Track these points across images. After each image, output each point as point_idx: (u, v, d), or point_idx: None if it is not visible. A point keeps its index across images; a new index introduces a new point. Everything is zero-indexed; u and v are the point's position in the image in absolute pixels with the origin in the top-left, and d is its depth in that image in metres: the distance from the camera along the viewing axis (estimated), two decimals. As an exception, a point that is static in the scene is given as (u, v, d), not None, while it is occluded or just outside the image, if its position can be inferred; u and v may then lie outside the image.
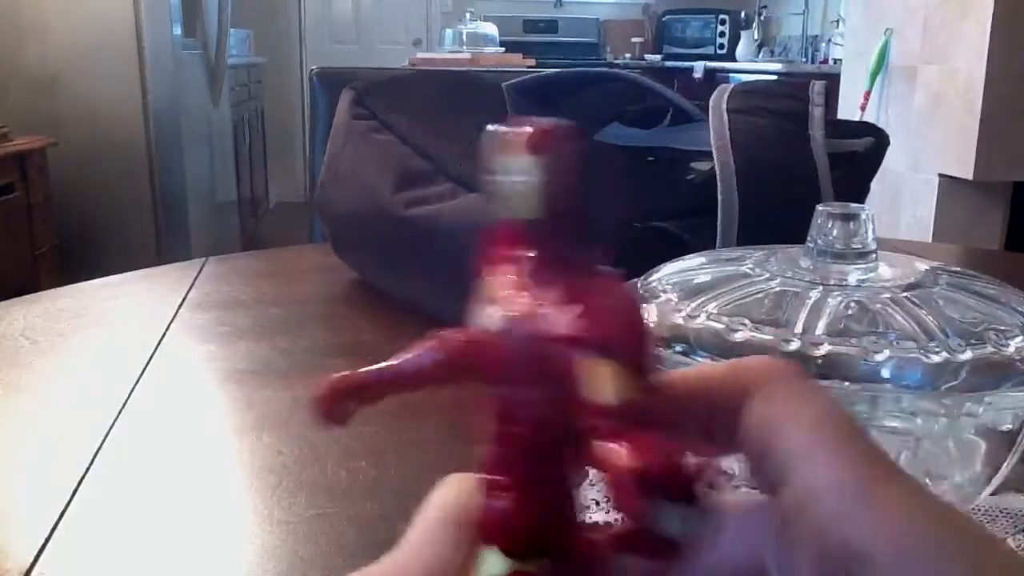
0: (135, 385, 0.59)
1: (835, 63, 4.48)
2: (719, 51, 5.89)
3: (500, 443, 0.20)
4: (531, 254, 0.20)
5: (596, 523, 0.20)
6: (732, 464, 0.41)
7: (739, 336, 0.37)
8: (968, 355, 0.36)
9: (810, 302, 0.39)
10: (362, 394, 0.23)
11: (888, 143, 0.74)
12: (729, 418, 0.19)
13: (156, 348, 0.66)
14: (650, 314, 0.41)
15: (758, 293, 0.40)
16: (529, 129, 0.19)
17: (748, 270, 0.43)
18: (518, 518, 0.19)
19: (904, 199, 2.66)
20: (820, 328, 0.37)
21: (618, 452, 0.17)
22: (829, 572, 0.16)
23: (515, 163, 0.19)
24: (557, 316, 0.19)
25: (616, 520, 0.19)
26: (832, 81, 2.41)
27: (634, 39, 6.20)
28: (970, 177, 2.37)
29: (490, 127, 0.20)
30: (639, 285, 0.44)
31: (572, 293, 0.19)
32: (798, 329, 0.37)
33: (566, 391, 0.18)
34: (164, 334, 0.69)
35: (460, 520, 0.21)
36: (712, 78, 5.02)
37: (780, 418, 0.18)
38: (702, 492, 0.17)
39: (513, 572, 0.19)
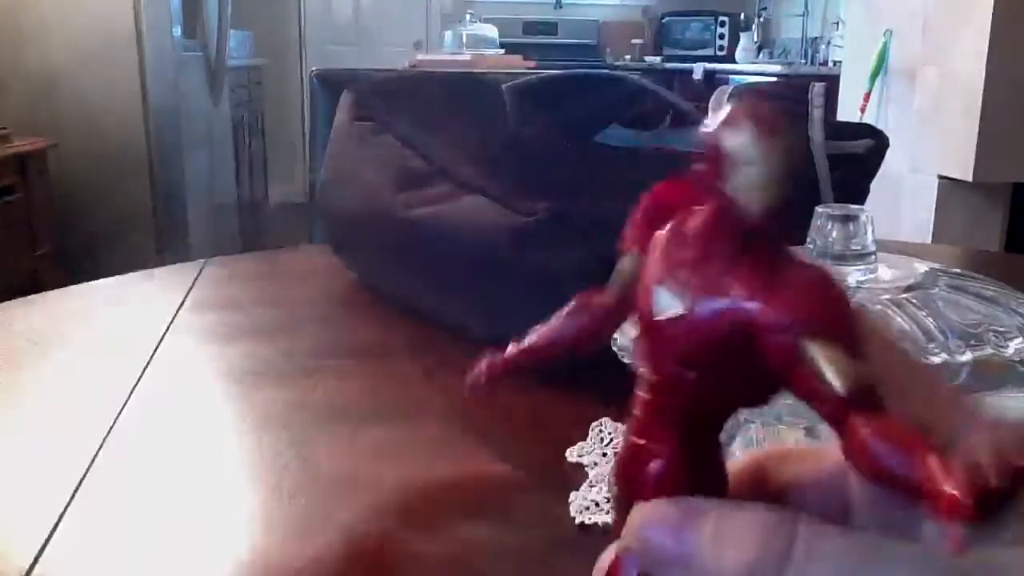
0: (135, 386, 0.59)
1: (835, 65, 4.48)
2: (719, 53, 5.90)
3: (659, 412, 0.21)
4: (737, 238, 0.20)
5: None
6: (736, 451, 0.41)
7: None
8: (968, 356, 0.36)
9: (810, 303, 0.39)
10: (509, 371, 0.25)
11: (888, 145, 0.74)
12: None
13: (156, 349, 0.66)
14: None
15: (758, 294, 0.40)
16: (767, 112, 0.19)
17: (748, 271, 0.43)
18: (679, 490, 0.21)
19: (904, 200, 2.67)
20: (820, 329, 0.37)
21: (939, 469, 0.17)
22: None
23: (756, 148, 0.19)
24: (763, 301, 0.19)
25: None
26: (832, 83, 2.40)
27: (634, 41, 6.20)
28: (970, 179, 2.37)
29: (725, 110, 0.19)
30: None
31: (780, 277, 0.19)
32: (798, 330, 0.37)
33: (752, 373, 0.19)
34: (164, 335, 0.69)
35: None
36: (712, 80, 5.02)
37: None
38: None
39: None
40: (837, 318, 0.19)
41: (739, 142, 0.19)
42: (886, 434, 0.18)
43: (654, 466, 0.21)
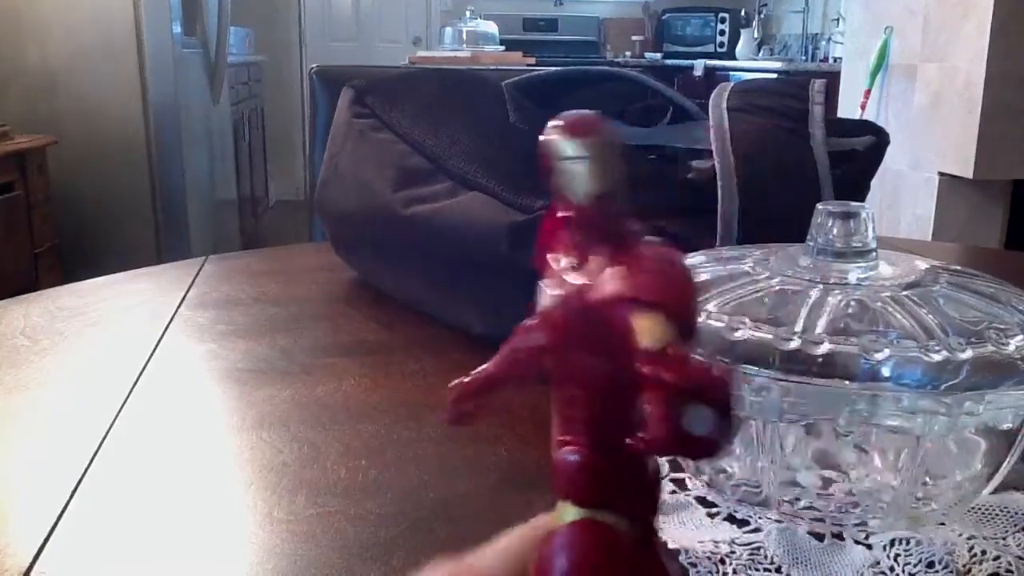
0: (135, 384, 0.59)
1: (835, 61, 4.48)
2: (719, 49, 5.89)
3: (567, 405, 0.23)
4: (587, 229, 0.23)
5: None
6: (732, 463, 0.41)
7: (739, 335, 0.37)
8: (968, 354, 0.36)
9: (810, 301, 0.39)
10: (476, 397, 0.26)
11: (888, 142, 0.74)
12: None
13: (156, 347, 0.66)
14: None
15: (758, 292, 0.40)
16: (578, 116, 0.22)
17: (748, 269, 0.43)
18: (584, 471, 0.22)
19: (904, 198, 2.66)
20: (820, 327, 0.37)
21: (653, 378, 0.19)
22: None
23: (570, 146, 0.22)
24: (610, 281, 0.21)
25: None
26: (832, 79, 2.40)
27: (634, 37, 6.20)
28: (970, 175, 2.36)
29: (550, 121, 0.22)
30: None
31: (623, 259, 0.22)
32: (798, 328, 0.37)
33: (619, 349, 0.21)
34: (164, 333, 0.69)
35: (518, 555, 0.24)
36: (712, 76, 5.02)
37: None
38: (726, 398, 0.19)
39: (583, 520, 0.22)
40: (655, 287, 0.21)
41: (557, 143, 0.22)
42: (653, 392, 0.20)
43: (565, 455, 0.22)
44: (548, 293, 0.23)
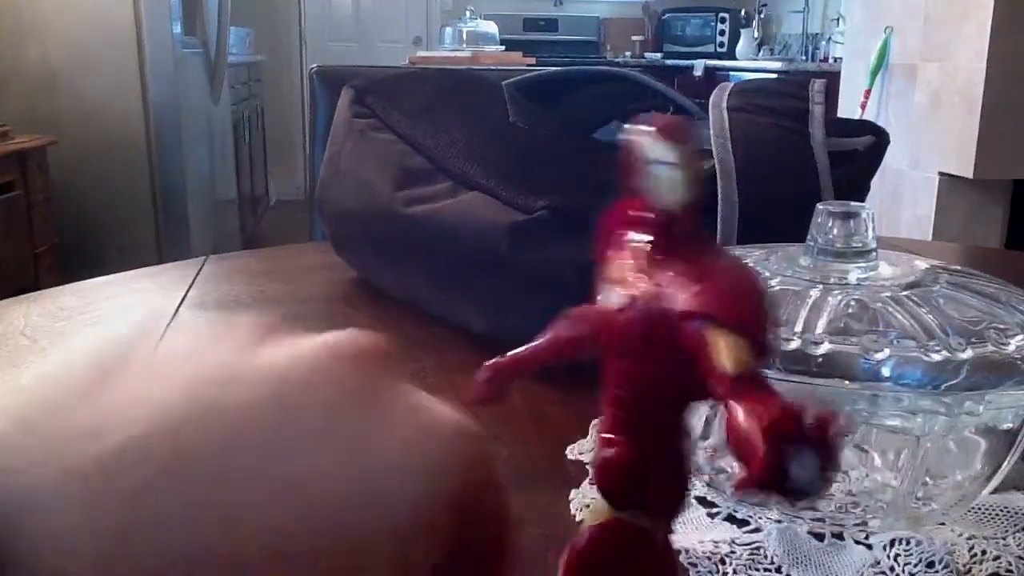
0: (135, 384, 0.59)
1: (835, 61, 4.48)
2: (719, 49, 5.89)
3: (616, 405, 0.23)
4: (664, 236, 0.22)
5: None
6: (732, 463, 0.41)
7: (739, 335, 0.37)
8: (968, 354, 0.36)
9: (810, 301, 0.39)
10: (511, 374, 0.27)
11: (888, 141, 0.74)
12: None
13: (156, 347, 0.66)
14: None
15: (758, 292, 0.40)
16: (673, 120, 0.21)
17: (748, 269, 0.43)
18: (623, 473, 0.22)
19: (904, 197, 2.66)
20: (820, 327, 0.37)
21: (747, 411, 0.19)
22: None
23: (661, 150, 0.21)
24: (683, 293, 0.21)
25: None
26: (832, 79, 2.40)
27: (634, 37, 6.20)
28: (970, 175, 2.36)
29: (636, 123, 0.22)
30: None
31: (700, 272, 0.21)
32: (798, 328, 0.37)
33: (685, 362, 0.21)
34: (164, 333, 0.69)
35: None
36: (712, 76, 5.02)
37: None
38: (829, 444, 0.18)
39: (615, 519, 0.22)
40: (740, 309, 0.21)
41: (648, 145, 0.21)
42: (738, 421, 0.19)
43: (610, 454, 0.23)
44: (613, 293, 0.23)
